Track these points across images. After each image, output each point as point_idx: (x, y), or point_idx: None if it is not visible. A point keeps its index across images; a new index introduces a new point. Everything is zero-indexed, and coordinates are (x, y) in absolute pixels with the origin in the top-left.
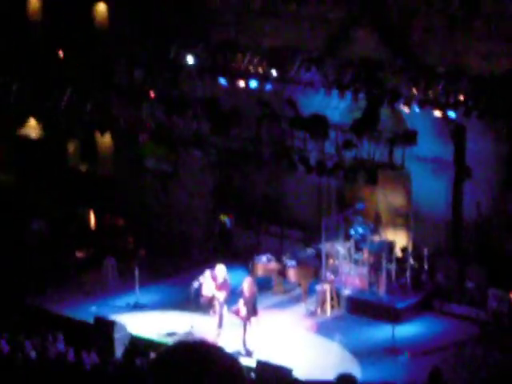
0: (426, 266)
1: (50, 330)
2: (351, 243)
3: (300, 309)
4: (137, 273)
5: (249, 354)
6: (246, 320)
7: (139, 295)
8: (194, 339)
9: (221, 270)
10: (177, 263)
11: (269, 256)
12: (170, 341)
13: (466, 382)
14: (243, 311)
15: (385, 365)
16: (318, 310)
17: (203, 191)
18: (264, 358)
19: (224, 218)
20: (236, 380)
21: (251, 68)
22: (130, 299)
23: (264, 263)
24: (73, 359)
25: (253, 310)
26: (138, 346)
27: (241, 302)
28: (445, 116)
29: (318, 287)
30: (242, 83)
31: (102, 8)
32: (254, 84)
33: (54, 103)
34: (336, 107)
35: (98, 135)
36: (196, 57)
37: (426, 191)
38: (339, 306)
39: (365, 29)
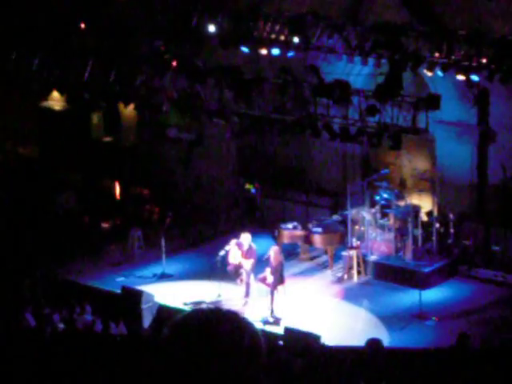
0: (451, 230)
1: (78, 301)
2: (377, 209)
3: (326, 275)
4: (163, 242)
5: (276, 321)
6: (273, 288)
7: (166, 265)
8: (209, 307)
9: (246, 238)
10: (202, 232)
11: (295, 223)
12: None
13: (494, 345)
14: (270, 279)
15: (412, 330)
16: (345, 277)
17: (228, 160)
18: (291, 325)
19: (249, 187)
20: (252, 347)
21: (273, 36)
22: (157, 269)
23: (290, 230)
24: (100, 330)
25: (280, 278)
26: (166, 315)
27: (267, 270)
28: (468, 79)
29: (345, 253)
30: (264, 51)
31: None
32: (276, 51)
33: (76, 75)
34: (359, 73)
35: (121, 106)
36: (218, 25)
37: (451, 155)
38: (366, 272)
39: None
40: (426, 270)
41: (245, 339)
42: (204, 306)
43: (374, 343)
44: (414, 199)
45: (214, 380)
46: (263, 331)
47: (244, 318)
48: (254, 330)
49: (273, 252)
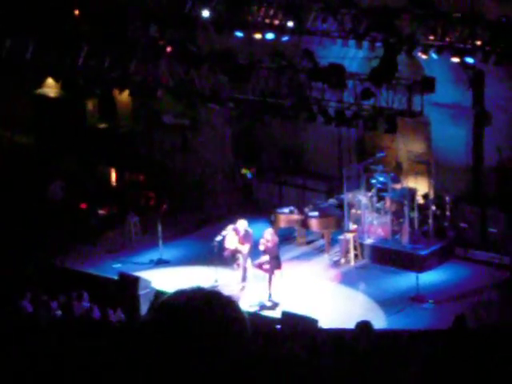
0: (448, 213)
1: (75, 288)
2: (373, 192)
3: (323, 259)
4: (159, 228)
5: (274, 305)
6: (270, 272)
7: (162, 251)
8: (193, 288)
9: (242, 223)
10: (199, 218)
11: (291, 207)
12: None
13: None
14: (267, 264)
15: (409, 313)
16: (342, 260)
17: (223, 145)
18: (289, 309)
19: (245, 171)
20: (235, 327)
21: (267, 20)
22: (154, 255)
23: (286, 215)
24: (98, 317)
25: (277, 263)
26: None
27: (265, 256)
28: (463, 62)
29: (341, 237)
30: (258, 36)
31: None
32: (270, 36)
33: (71, 62)
34: (353, 57)
35: (116, 92)
36: (212, 10)
37: (446, 138)
38: (362, 256)
39: None
40: (423, 252)
41: (226, 317)
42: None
43: (362, 325)
44: (410, 182)
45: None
46: (260, 315)
47: (226, 297)
48: (236, 309)
49: (268, 234)
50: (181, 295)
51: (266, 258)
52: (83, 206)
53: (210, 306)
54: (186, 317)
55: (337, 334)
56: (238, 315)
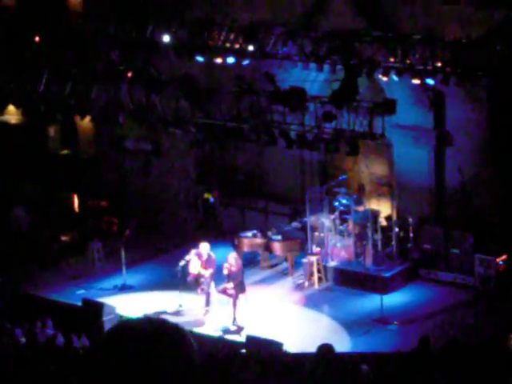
0: (411, 235)
1: (39, 315)
2: (336, 215)
3: (287, 282)
4: (123, 254)
5: (238, 329)
6: (234, 296)
7: (126, 276)
8: (141, 318)
9: (205, 247)
10: (162, 243)
11: (254, 231)
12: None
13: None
14: (231, 289)
15: (374, 334)
16: (306, 283)
17: (185, 169)
18: (254, 333)
19: (208, 196)
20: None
21: (228, 44)
22: (118, 281)
23: (249, 238)
24: (62, 343)
25: (241, 287)
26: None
27: (229, 283)
28: (423, 83)
29: (305, 260)
30: (219, 60)
31: None
32: (231, 60)
33: (31, 88)
34: (314, 80)
35: (77, 118)
36: (172, 35)
37: (408, 159)
38: (326, 279)
39: (339, 0)
40: (387, 274)
41: (173, 346)
42: (165, 316)
43: (323, 348)
44: (373, 204)
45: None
46: (224, 340)
47: (174, 326)
48: (184, 337)
49: (233, 258)
50: (127, 323)
51: (230, 285)
52: (45, 232)
53: (156, 333)
54: (133, 343)
55: (299, 358)
56: (186, 341)
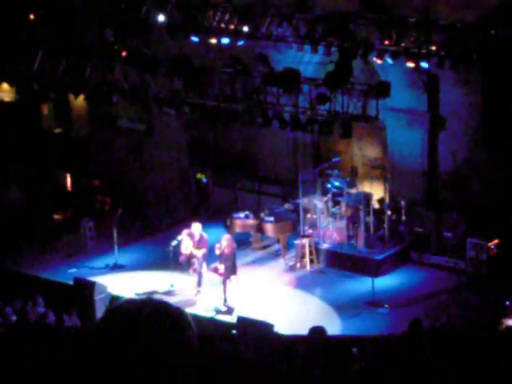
0: (403, 218)
1: (30, 293)
2: (328, 197)
3: (279, 264)
4: (115, 233)
5: (229, 310)
6: (225, 277)
7: (118, 256)
8: (142, 298)
9: (197, 227)
10: (154, 222)
11: (246, 212)
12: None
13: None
14: (222, 268)
15: (365, 317)
16: (298, 265)
17: (179, 149)
18: (245, 314)
19: (201, 176)
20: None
21: (223, 25)
22: (109, 260)
23: (242, 219)
24: (53, 322)
25: (232, 268)
26: (113, 303)
27: (221, 264)
28: (418, 67)
29: (297, 242)
30: (213, 40)
31: None
32: (225, 41)
33: (26, 66)
34: (309, 62)
35: (71, 97)
36: (167, 15)
37: (402, 142)
38: (318, 261)
39: None
40: (379, 257)
41: (173, 328)
42: (156, 296)
43: (315, 330)
44: (366, 187)
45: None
46: (215, 320)
47: (174, 307)
48: (184, 319)
49: (225, 240)
50: (130, 304)
51: (221, 266)
52: (38, 210)
53: (158, 315)
54: (134, 324)
55: (290, 340)
56: (186, 324)
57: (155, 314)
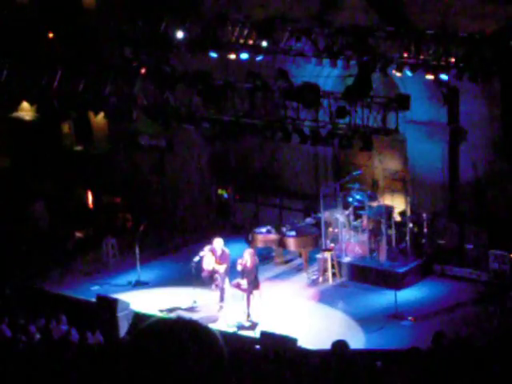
0: (425, 230)
1: (53, 311)
2: (350, 210)
3: (302, 278)
4: (137, 250)
5: (253, 325)
6: (248, 292)
7: (140, 272)
8: (172, 317)
9: (218, 243)
10: (176, 239)
11: (268, 227)
12: (174, 316)
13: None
14: (244, 284)
15: (388, 331)
16: (320, 279)
17: (199, 166)
18: (268, 329)
19: (222, 192)
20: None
21: (241, 40)
22: (132, 277)
23: (264, 234)
24: (77, 339)
25: (255, 282)
26: (142, 323)
27: (243, 280)
28: (437, 79)
29: (319, 256)
30: (232, 56)
31: None
32: (244, 56)
33: (45, 85)
34: (328, 75)
35: (91, 115)
36: (186, 31)
37: (422, 155)
38: (340, 274)
39: None
40: (401, 270)
41: (203, 347)
42: (179, 312)
43: (338, 344)
44: (387, 200)
45: None
46: (238, 335)
47: (204, 327)
48: (213, 338)
49: (248, 255)
50: (160, 323)
51: (244, 281)
52: (60, 228)
53: (188, 336)
54: (164, 345)
55: (313, 354)
56: (216, 346)
57: (186, 334)
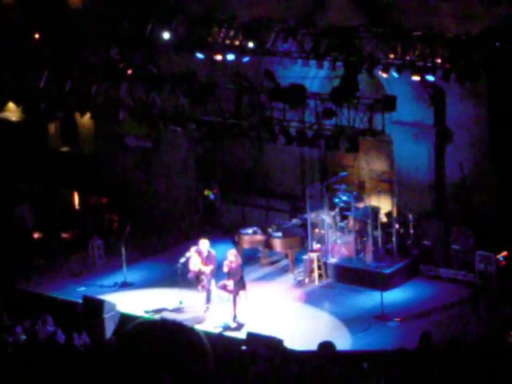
0: (411, 231)
1: (39, 312)
2: (336, 212)
3: (288, 279)
4: (123, 251)
5: (239, 326)
6: (235, 293)
7: (127, 274)
8: (156, 318)
9: (204, 244)
10: (162, 240)
11: (254, 228)
12: (158, 318)
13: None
14: (231, 285)
15: (374, 331)
16: (306, 280)
17: (186, 166)
18: (254, 329)
19: (208, 193)
20: (199, 357)
21: (228, 41)
22: (118, 278)
23: (250, 235)
24: (63, 340)
25: (241, 283)
26: (128, 324)
27: (229, 281)
28: (423, 80)
29: (305, 257)
30: (219, 57)
31: None
32: (231, 57)
33: (32, 85)
34: (314, 77)
35: (77, 115)
36: (172, 32)
37: (409, 156)
38: (327, 275)
39: None
40: (387, 271)
41: (187, 348)
42: (165, 313)
43: (325, 345)
44: (373, 201)
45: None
46: (224, 336)
47: (188, 328)
48: (198, 339)
49: (231, 255)
50: (145, 325)
51: (230, 282)
52: (46, 229)
53: (172, 337)
54: (149, 346)
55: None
56: (201, 345)
57: (170, 335)
